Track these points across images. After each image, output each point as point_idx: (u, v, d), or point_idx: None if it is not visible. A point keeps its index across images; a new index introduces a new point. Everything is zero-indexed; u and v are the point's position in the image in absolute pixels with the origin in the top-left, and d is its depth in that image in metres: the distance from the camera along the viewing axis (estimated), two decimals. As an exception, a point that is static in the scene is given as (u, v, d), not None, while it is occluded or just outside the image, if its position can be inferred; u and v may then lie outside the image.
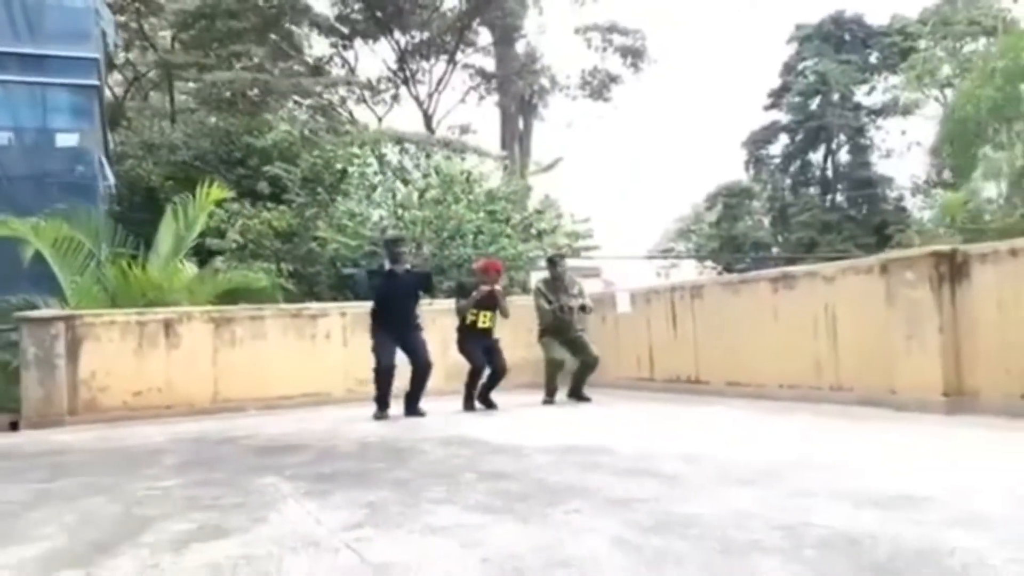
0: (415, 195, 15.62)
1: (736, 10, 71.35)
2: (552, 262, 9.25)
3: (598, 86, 26.43)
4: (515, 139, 30.00)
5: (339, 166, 17.09)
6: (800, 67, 43.81)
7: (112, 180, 20.49)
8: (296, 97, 21.98)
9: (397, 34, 28.74)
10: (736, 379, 8.40)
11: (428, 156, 17.37)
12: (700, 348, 8.98)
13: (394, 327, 8.33)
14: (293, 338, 10.22)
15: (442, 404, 8.83)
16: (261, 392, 9.95)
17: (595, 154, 60.18)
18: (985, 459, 4.57)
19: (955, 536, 2.85)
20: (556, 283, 9.04)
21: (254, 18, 24.11)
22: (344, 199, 16.30)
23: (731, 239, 42.09)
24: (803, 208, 42.00)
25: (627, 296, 10.11)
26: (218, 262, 13.92)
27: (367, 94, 29.46)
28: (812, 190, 43.98)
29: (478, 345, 8.65)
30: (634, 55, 25.83)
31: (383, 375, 8.24)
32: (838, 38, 43.63)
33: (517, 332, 10.67)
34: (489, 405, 8.73)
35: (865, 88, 43.12)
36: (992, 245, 6.34)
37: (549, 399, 8.92)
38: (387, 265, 8.49)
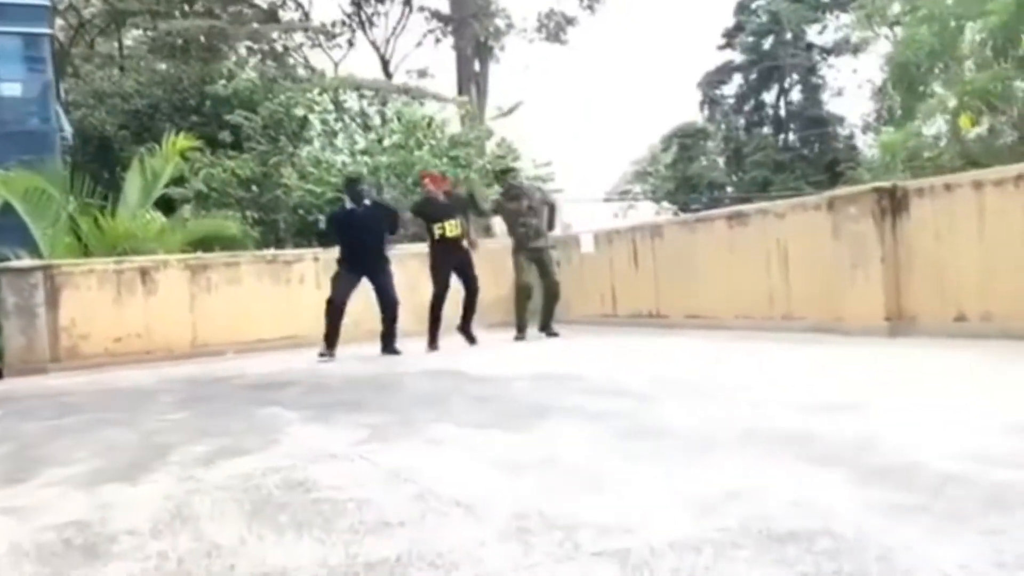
0: (377, 141, 15.83)
1: (689, -51, 71.02)
2: (503, 174, 9.76)
3: (554, 28, 26.52)
4: (471, 82, 30.03)
5: (300, 113, 17.19)
6: (753, 6, 44.16)
7: (69, 130, 20.34)
8: (249, 43, 21.83)
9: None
10: (695, 312, 8.92)
11: (385, 103, 17.52)
12: (660, 285, 9.47)
13: (359, 264, 8.61)
14: (268, 283, 10.53)
15: (414, 344, 9.28)
16: (239, 336, 10.27)
17: (552, 97, 60.13)
18: (916, 373, 5.11)
19: (887, 432, 3.34)
20: (514, 193, 9.39)
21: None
22: (306, 146, 16.47)
23: (687, 180, 42.66)
24: (757, 148, 42.68)
25: (591, 237, 10.55)
26: (185, 211, 14.08)
27: (322, 39, 29.27)
28: (765, 130, 44.64)
29: (447, 263, 8.88)
30: (590, -5, 25.95)
31: (331, 310, 8.56)
32: (791, -23, 43.93)
33: (488, 271, 11.10)
34: (469, 338, 9.10)
35: (817, 27, 43.61)
36: (929, 181, 6.86)
37: (520, 335, 9.34)
38: (348, 206, 8.80)
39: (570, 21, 26.29)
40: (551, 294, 9.38)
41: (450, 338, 9.04)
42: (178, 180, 16.00)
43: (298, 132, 16.98)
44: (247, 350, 10.16)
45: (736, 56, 45.03)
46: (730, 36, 45.07)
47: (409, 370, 7.07)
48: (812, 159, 42.54)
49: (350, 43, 29.82)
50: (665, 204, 40.79)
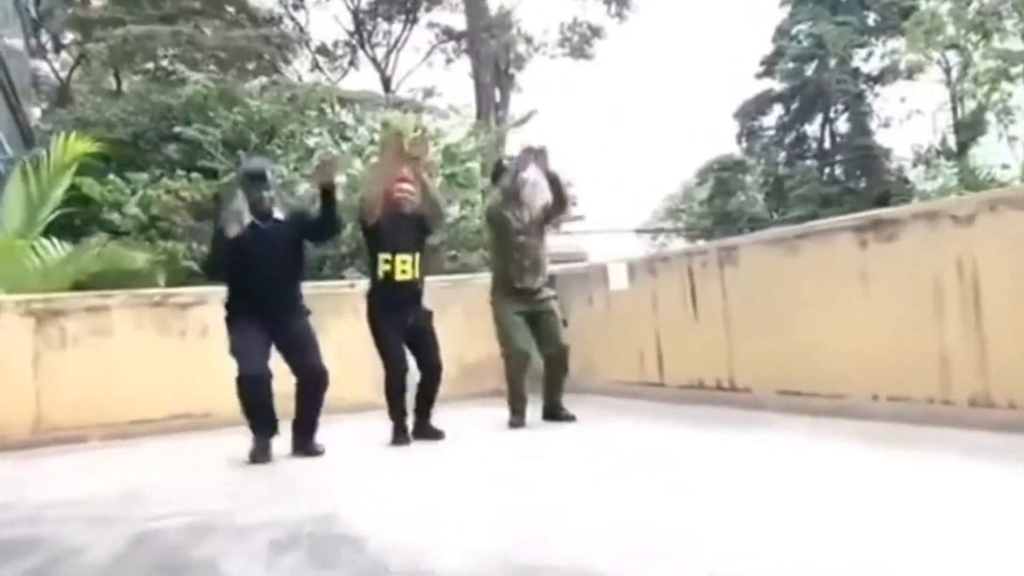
0: (356, 154, 12.62)
1: (721, -21, 68.28)
2: (501, 169, 6.26)
3: (579, 42, 23.40)
4: (491, 110, 27.04)
5: (266, 125, 14.09)
6: (794, 31, 41.13)
7: (9, 154, 17.41)
8: (225, 56, 18.88)
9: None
10: (796, 386, 5.49)
11: (374, 116, 14.35)
12: (735, 339, 6.07)
13: (260, 312, 5.33)
14: (153, 335, 7.23)
15: (359, 426, 6.02)
16: (107, 415, 6.97)
17: (575, 117, 56.48)
18: None
19: None
20: (512, 199, 6.04)
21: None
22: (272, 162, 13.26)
23: (725, 216, 39.31)
24: (801, 181, 39.31)
25: (623, 268, 7.18)
26: (92, 242, 10.89)
27: (320, 59, 26.45)
28: (809, 162, 41.45)
29: (395, 326, 5.64)
30: (618, 1, 22.82)
31: (248, 389, 5.24)
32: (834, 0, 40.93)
33: (474, 316, 7.71)
34: (429, 434, 5.76)
35: (863, 53, 40.47)
36: None
37: (516, 419, 5.99)
38: (245, 217, 5.40)
39: (596, 32, 23.15)
40: (558, 364, 6.08)
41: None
42: (117, 205, 13.00)
43: (261, 146, 13.85)
44: (119, 435, 6.87)
45: (776, 84, 41.94)
46: (769, 63, 41.98)
47: (271, 519, 3.68)
48: (861, 193, 39.09)
49: (351, 64, 27.03)
50: (701, 243, 37.41)
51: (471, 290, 8.11)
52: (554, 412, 6.08)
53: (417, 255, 5.68)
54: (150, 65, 20.70)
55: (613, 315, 7.38)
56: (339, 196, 10.11)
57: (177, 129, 14.24)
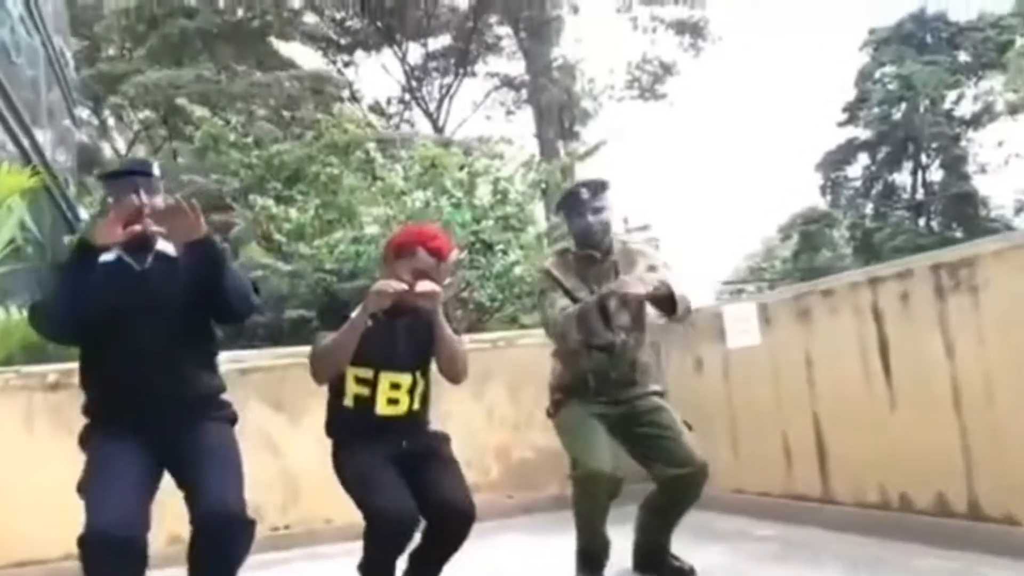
0: (387, 192, 10.33)
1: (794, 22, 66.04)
2: (579, 200, 3.48)
3: (648, 81, 21.09)
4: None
5: (287, 169, 11.99)
6: (878, 74, 38.48)
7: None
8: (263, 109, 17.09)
9: (404, 43, 24.01)
10: None
11: (411, 154, 12.13)
12: (975, 422, 3.41)
13: (138, 418, 2.83)
14: (47, 433, 4.84)
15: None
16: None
17: (647, 164, 53.37)
18: None
19: None
20: (589, 257, 3.53)
21: (219, 22, 19.52)
22: (292, 209, 11.10)
23: (812, 272, 36.30)
24: (892, 233, 36.27)
25: (750, 312, 4.57)
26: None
27: (373, 117, 24.72)
28: (899, 213, 38.40)
29: (379, 454, 3.07)
30: (692, 32, 20.51)
31: (98, 561, 2.59)
32: (920, 39, 38.26)
33: (523, 388, 5.46)
34: None
35: (953, 95, 37.59)
36: None
37: (589, 572, 3.41)
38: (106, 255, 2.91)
39: (668, 69, 20.81)
40: (689, 491, 3.43)
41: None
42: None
43: (282, 191, 11.74)
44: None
45: (860, 131, 39.23)
46: (852, 109, 39.33)
47: None
48: (959, 244, 35.94)
49: (404, 120, 25.22)
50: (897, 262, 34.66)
51: (518, 354, 5.63)
52: (658, 561, 3.47)
53: (418, 375, 3.20)
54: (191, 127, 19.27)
55: (737, 387, 4.78)
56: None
57: (186, 178, 12.29)
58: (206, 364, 3.03)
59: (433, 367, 3.23)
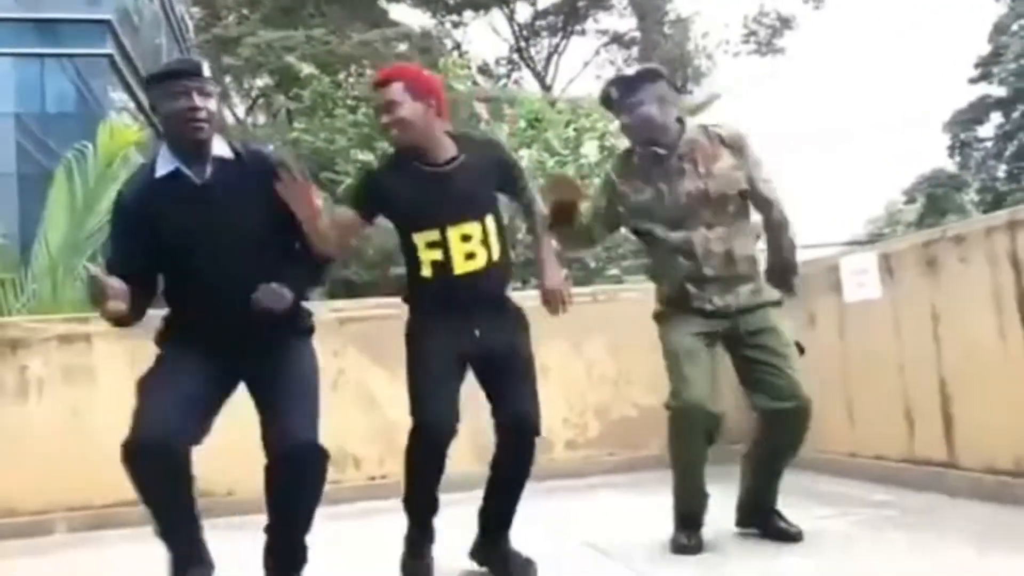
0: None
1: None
2: (609, 99, 3.25)
3: (766, 35, 20.27)
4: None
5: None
6: (1015, 27, 36.10)
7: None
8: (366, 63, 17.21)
9: (513, 3, 23.78)
10: None
11: (518, 111, 11.95)
12: None
13: (211, 335, 2.77)
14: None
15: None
16: (84, 492, 4.76)
17: (764, 121, 51.81)
18: None
19: None
20: (654, 155, 3.21)
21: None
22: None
23: (938, 239, 34.66)
24: (1027, 198, 34.27)
25: (870, 263, 4.24)
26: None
27: (480, 79, 24.66)
28: (1035, 176, 36.10)
29: (452, 340, 2.93)
30: (814, -18, 19.61)
31: (141, 469, 2.59)
32: (1063, -14, 35.72)
33: (624, 348, 5.43)
34: (505, 566, 3.02)
35: (1100, 48, 34.91)
36: None
37: (686, 537, 3.20)
38: (164, 163, 2.75)
39: (787, 23, 19.94)
40: (790, 432, 3.16)
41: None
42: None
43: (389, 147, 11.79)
44: (96, 524, 4.65)
45: (993, 89, 36.93)
46: (985, 65, 37.04)
47: None
48: (1104, 208, 33.61)
49: (512, 80, 25.03)
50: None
51: (621, 308, 5.43)
52: (763, 519, 3.26)
53: (487, 220, 3.00)
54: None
55: (854, 345, 4.46)
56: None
57: (294, 135, 12.43)
58: (278, 278, 2.85)
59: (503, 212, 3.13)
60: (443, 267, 2.95)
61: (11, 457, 4.70)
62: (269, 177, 2.75)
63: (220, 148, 2.82)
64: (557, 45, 22.27)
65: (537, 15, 23.45)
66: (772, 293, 3.25)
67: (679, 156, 3.19)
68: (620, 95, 3.20)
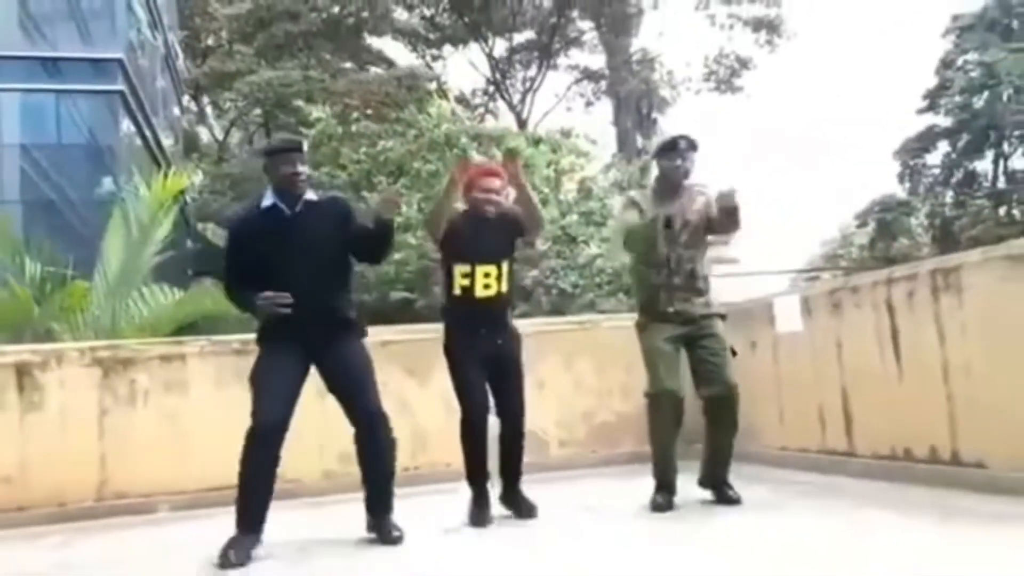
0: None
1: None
2: (676, 147, 4.58)
3: (725, 74, 21.90)
4: (634, 155, 25.84)
5: (391, 165, 13.31)
6: (960, 61, 38.03)
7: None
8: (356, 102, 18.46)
9: (490, 38, 25.16)
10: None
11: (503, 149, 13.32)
12: (960, 393, 4.49)
13: (296, 332, 4.03)
14: (233, 389, 6.15)
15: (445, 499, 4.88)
16: (179, 480, 6.01)
17: (724, 154, 53.84)
18: None
19: None
20: (665, 192, 4.65)
21: (319, 22, 20.95)
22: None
23: (889, 261, 36.32)
24: (973, 222, 35.96)
25: (794, 303, 5.69)
26: (206, 284, 10.20)
27: (458, 108, 25.98)
28: (980, 202, 37.96)
29: (478, 349, 4.48)
30: (768, 28, 21.23)
31: (252, 447, 3.98)
32: (1005, 26, 37.62)
33: (607, 366, 6.75)
34: (520, 507, 4.57)
35: (1036, 81, 36.90)
36: None
37: (661, 497, 4.58)
38: (267, 199, 4.14)
39: (744, 64, 21.59)
40: (724, 411, 4.55)
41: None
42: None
43: (390, 186, 13.05)
44: (192, 504, 5.89)
45: (940, 119, 38.78)
46: (932, 97, 38.95)
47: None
48: (1044, 234, 35.44)
49: (488, 111, 26.38)
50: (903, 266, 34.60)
51: (604, 335, 6.80)
52: (717, 487, 4.62)
53: (504, 265, 4.51)
54: (293, 119, 20.78)
55: (783, 364, 5.88)
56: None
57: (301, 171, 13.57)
58: (345, 291, 4.24)
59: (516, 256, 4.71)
60: (468, 290, 4.44)
61: (123, 452, 5.96)
62: (340, 215, 4.14)
63: (309, 194, 4.16)
64: (533, 80, 23.67)
65: (512, 50, 24.85)
66: (719, 308, 4.63)
67: (679, 199, 4.60)
68: (684, 148, 4.56)
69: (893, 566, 3.21)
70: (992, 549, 3.35)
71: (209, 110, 29.71)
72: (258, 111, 21.80)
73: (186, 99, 27.86)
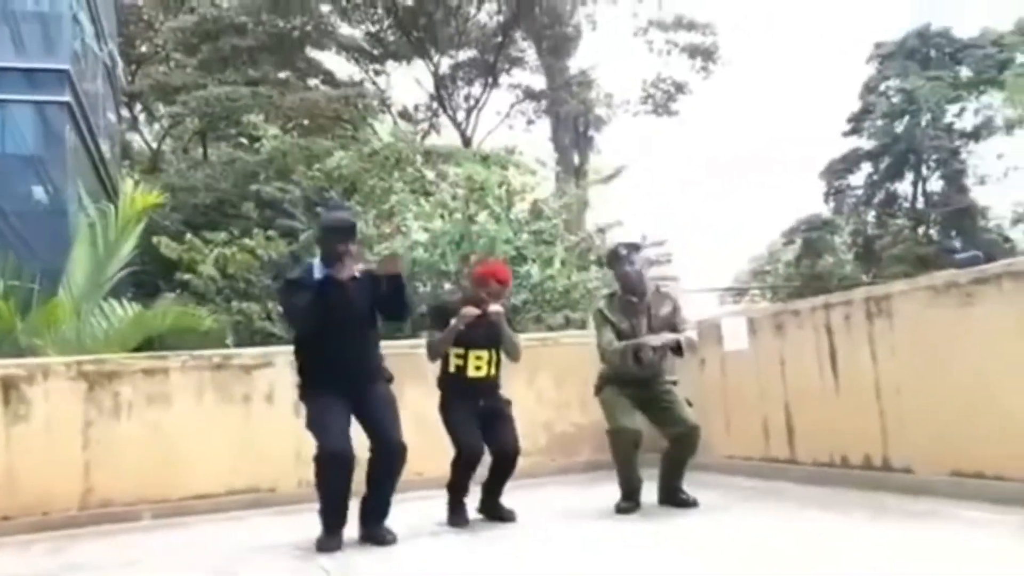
0: (440, 206, 11.95)
1: (803, 34, 67.44)
2: (618, 256, 5.24)
3: (662, 98, 22.70)
4: (572, 172, 26.49)
5: (346, 182, 13.59)
6: (882, 87, 39.75)
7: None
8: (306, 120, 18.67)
9: (435, 55, 25.56)
10: (977, 466, 4.46)
11: (459, 164, 13.75)
12: (890, 407, 5.06)
13: (339, 381, 4.61)
14: (213, 402, 6.52)
15: (422, 510, 5.25)
16: (162, 489, 6.28)
17: (659, 175, 55.37)
18: None
19: None
20: (629, 301, 5.22)
21: (264, 36, 21.07)
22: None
23: (814, 278, 37.70)
24: (894, 241, 37.58)
25: (741, 324, 6.23)
26: (161, 302, 10.37)
27: (401, 123, 26.30)
28: (900, 222, 39.65)
29: (468, 410, 5.05)
30: (704, 55, 22.09)
31: (329, 470, 4.52)
32: (923, 54, 39.44)
33: (565, 379, 7.17)
34: (497, 515, 5.12)
35: (955, 109, 38.76)
36: None
37: (625, 503, 5.08)
38: (318, 270, 4.69)
39: (680, 88, 22.40)
40: (686, 446, 5.10)
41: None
42: (190, 266, 12.63)
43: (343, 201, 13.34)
44: (174, 512, 6.17)
45: (864, 142, 40.43)
46: (856, 120, 40.61)
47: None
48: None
49: (432, 127, 26.76)
50: (841, 293, 35.84)
51: (562, 351, 7.27)
52: (672, 496, 5.12)
53: (494, 352, 5.11)
54: (233, 131, 20.86)
55: (731, 380, 6.42)
56: (420, 253, 9.34)
57: (255, 187, 13.87)
58: (376, 345, 4.85)
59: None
60: (462, 369, 5.04)
61: (108, 461, 6.22)
62: (373, 285, 4.61)
63: (354, 268, 4.62)
64: (477, 99, 24.13)
65: (456, 68, 25.28)
66: (671, 378, 5.24)
67: (647, 303, 5.11)
68: (627, 254, 5.13)
69: (845, 559, 3.72)
70: (918, 541, 3.88)
71: (142, 117, 29.49)
72: (194, 120, 21.81)
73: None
